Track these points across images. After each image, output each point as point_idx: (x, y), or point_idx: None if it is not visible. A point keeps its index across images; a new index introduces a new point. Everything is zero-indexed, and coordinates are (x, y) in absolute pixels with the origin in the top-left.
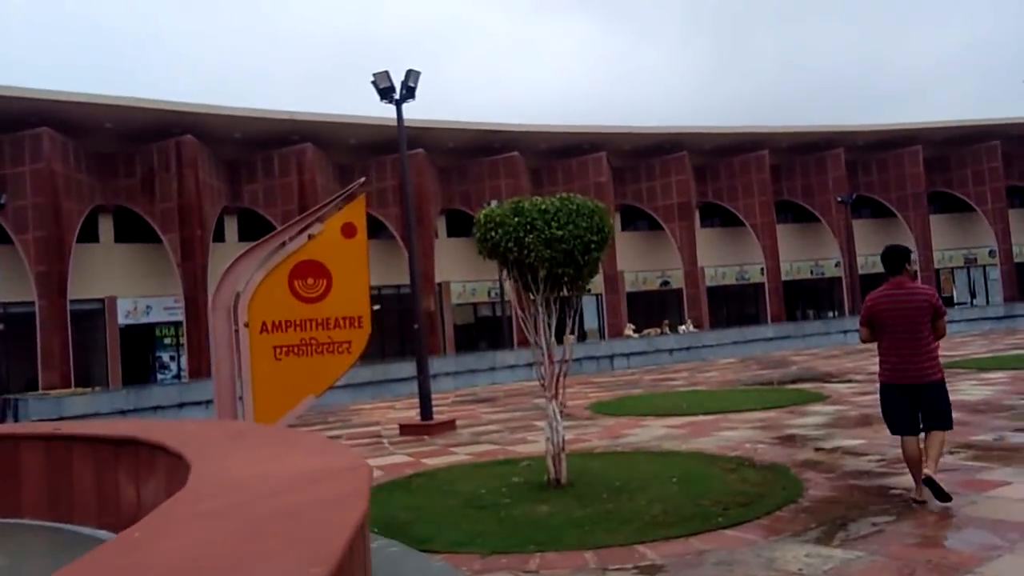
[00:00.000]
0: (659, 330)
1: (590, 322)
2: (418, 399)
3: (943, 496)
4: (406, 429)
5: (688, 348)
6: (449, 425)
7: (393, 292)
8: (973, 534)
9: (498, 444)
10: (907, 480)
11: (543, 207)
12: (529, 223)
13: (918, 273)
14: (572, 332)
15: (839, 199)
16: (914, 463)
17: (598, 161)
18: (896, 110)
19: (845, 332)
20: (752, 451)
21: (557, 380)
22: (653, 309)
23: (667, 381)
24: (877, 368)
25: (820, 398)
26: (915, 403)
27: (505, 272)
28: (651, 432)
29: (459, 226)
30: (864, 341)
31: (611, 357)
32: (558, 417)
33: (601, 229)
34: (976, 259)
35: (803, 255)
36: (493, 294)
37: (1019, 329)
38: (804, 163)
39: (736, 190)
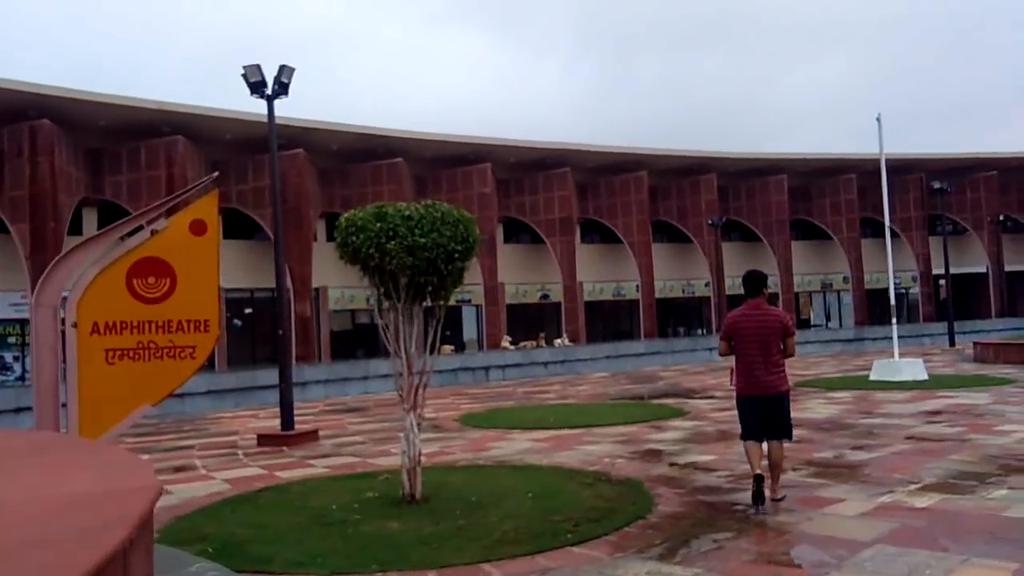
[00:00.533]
0: (535, 342)
1: (469, 333)
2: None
3: (761, 499)
4: (265, 440)
5: (563, 361)
6: (311, 436)
7: (267, 295)
8: (806, 551)
9: (359, 456)
10: (748, 498)
11: (407, 213)
12: (392, 229)
13: (779, 296)
14: (435, 343)
15: (710, 222)
16: (755, 462)
17: (483, 172)
18: (767, 141)
19: (711, 349)
20: (610, 465)
21: (416, 392)
22: (532, 322)
23: (540, 394)
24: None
25: (681, 413)
26: (763, 412)
27: (366, 279)
28: (516, 445)
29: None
30: (722, 354)
31: (487, 369)
32: (415, 430)
33: (466, 239)
34: (832, 284)
35: (676, 274)
36: (372, 301)
37: (867, 351)
38: (679, 185)
39: (616, 208)
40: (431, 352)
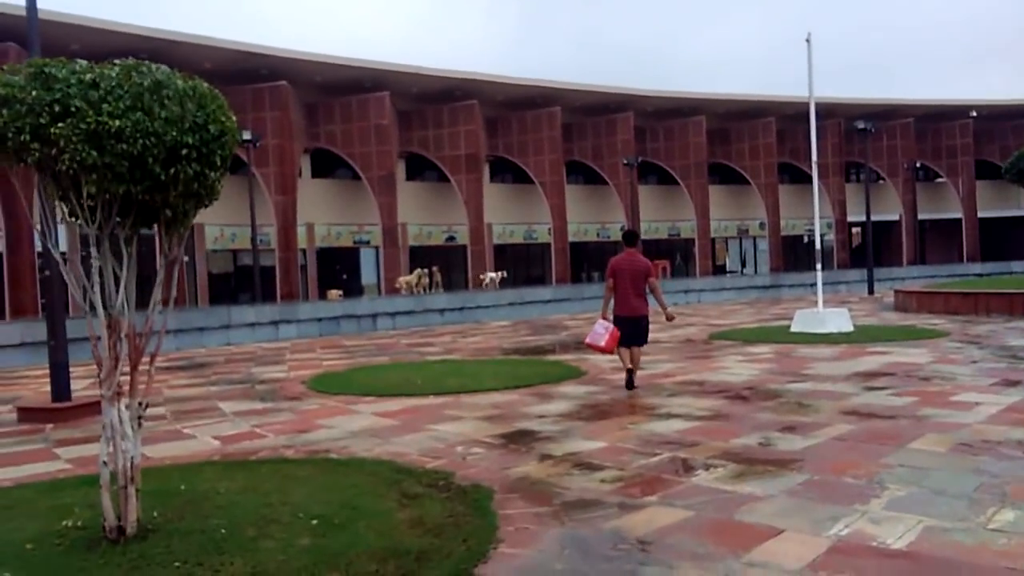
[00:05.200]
0: (419, 277)
1: (368, 277)
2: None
3: (632, 385)
4: (27, 414)
5: (461, 308)
6: (93, 408)
7: None
8: None
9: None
10: (641, 526)
11: (89, 77)
12: (61, 102)
13: (696, 241)
14: (168, 293)
15: (625, 162)
16: (626, 361)
17: (380, 101)
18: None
19: None
20: (461, 458)
21: (131, 368)
22: (436, 265)
23: (424, 346)
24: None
25: (577, 374)
26: (635, 328)
27: (40, 190)
28: (354, 423)
29: None
30: (608, 289)
31: (374, 316)
32: (128, 428)
33: (204, 125)
34: (748, 230)
35: (590, 217)
36: (262, 241)
37: (783, 298)
38: (595, 124)
39: (527, 146)
40: (160, 306)
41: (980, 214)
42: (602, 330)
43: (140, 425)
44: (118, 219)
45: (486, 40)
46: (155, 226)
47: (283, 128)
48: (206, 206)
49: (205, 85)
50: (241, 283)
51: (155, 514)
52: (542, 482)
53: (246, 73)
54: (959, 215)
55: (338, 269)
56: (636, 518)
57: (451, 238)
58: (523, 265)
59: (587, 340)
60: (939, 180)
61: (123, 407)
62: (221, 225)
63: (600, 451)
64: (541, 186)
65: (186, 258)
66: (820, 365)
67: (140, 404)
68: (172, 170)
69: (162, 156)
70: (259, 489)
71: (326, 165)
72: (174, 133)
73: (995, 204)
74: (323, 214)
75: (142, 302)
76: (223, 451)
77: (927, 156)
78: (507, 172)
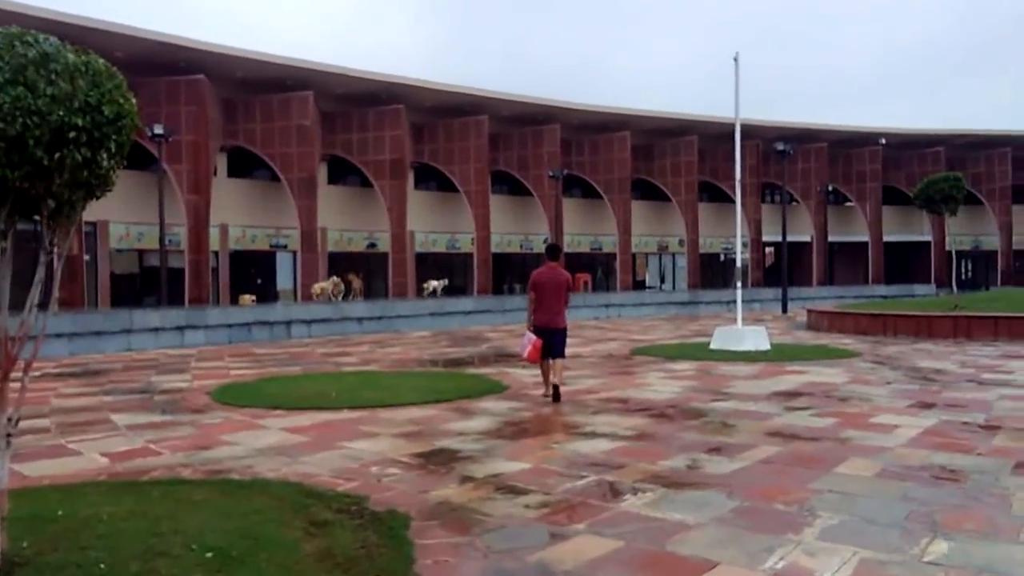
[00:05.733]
0: (335, 284)
1: (284, 282)
2: None
3: (558, 398)
4: None
5: (380, 318)
6: None
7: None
8: None
9: (11, 460)
10: (569, 558)
11: None
12: None
13: (617, 256)
14: (49, 293)
15: (551, 174)
16: (546, 375)
17: (303, 101)
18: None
19: None
20: (376, 480)
21: (3, 374)
22: (359, 272)
23: (340, 356)
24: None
25: (499, 389)
26: (552, 339)
27: None
28: (260, 439)
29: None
30: (531, 301)
31: (288, 323)
32: None
33: (97, 106)
34: (668, 246)
35: (514, 228)
36: (171, 241)
37: (700, 315)
38: (522, 135)
39: (453, 153)
40: (37, 308)
41: (885, 238)
42: (526, 341)
43: (9, 444)
44: None
45: (413, 45)
46: (16, 218)
47: (199, 124)
48: (97, 197)
49: (101, 61)
50: (147, 285)
51: (24, 544)
52: (463, 508)
53: (162, 65)
54: (866, 238)
55: (252, 273)
56: (563, 549)
57: (372, 245)
58: (445, 275)
59: (520, 353)
60: (848, 204)
61: None
62: (127, 223)
63: (524, 473)
64: (466, 195)
65: (87, 257)
66: (741, 383)
67: (10, 420)
68: (57, 155)
69: (45, 138)
70: (149, 515)
71: (243, 165)
72: (60, 113)
73: (900, 229)
74: (238, 215)
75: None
76: (111, 470)
77: (838, 180)
78: (432, 180)
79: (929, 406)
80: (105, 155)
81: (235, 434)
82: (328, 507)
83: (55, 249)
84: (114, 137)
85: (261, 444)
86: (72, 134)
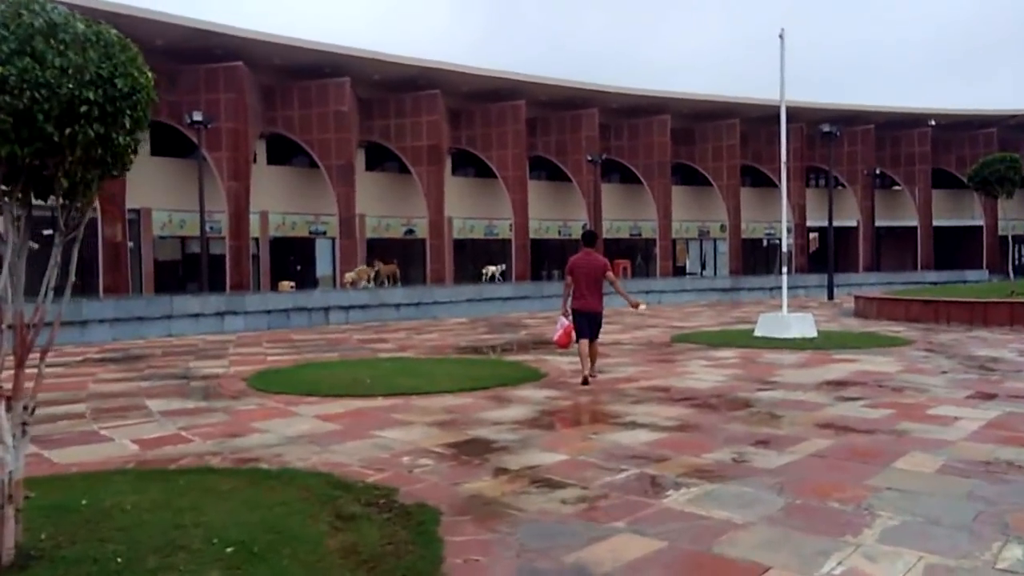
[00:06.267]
0: (361, 274)
1: (323, 269)
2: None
3: (587, 383)
4: None
5: (418, 304)
6: None
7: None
8: None
9: (42, 446)
10: (608, 559)
11: None
12: None
13: (657, 241)
14: (66, 277)
15: (589, 158)
16: (584, 356)
17: (341, 87)
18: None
19: None
20: (407, 471)
21: (18, 361)
22: (394, 258)
23: (377, 343)
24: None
25: (536, 376)
26: (590, 323)
27: None
28: (292, 426)
29: (165, 143)
30: (567, 286)
31: (326, 310)
32: (7, 436)
33: (110, 79)
34: (709, 232)
35: (552, 214)
36: (212, 228)
37: (743, 301)
38: (560, 120)
39: (490, 139)
40: (52, 293)
41: (935, 223)
42: (559, 327)
43: (25, 433)
44: (3, 187)
45: (452, 33)
46: (30, 197)
47: (238, 111)
48: (114, 176)
49: (114, 32)
50: (189, 272)
51: (43, 536)
52: (496, 502)
53: (200, 52)
54: (915, 223)
55: (292, 260)
56: (601, 549)
57: (410, 231)
58: (483, 261)
59: (553, 338)
60: (896, 188)
61: (2, 411)
62: (170, 211)
63: (560, 465)
64: (503, 181)
65: (131, 244)
66: (788, 372)
67: (25, 408)
68: (68, 131)
69: (55, 113)
70: (172, 505)
71: (282, 151)
72: (71, 86)
73: (950, 213)
74: (278, 202)
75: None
76: (140, 457)
77: (886, 164)
78: (469, 165)
79: (990, 397)
80: (120, 131)
81: (267, 421)
82: (356, 499)
83: (70, 229)
84: (129, 112)
85: (292, 432)
86: (84, 108)
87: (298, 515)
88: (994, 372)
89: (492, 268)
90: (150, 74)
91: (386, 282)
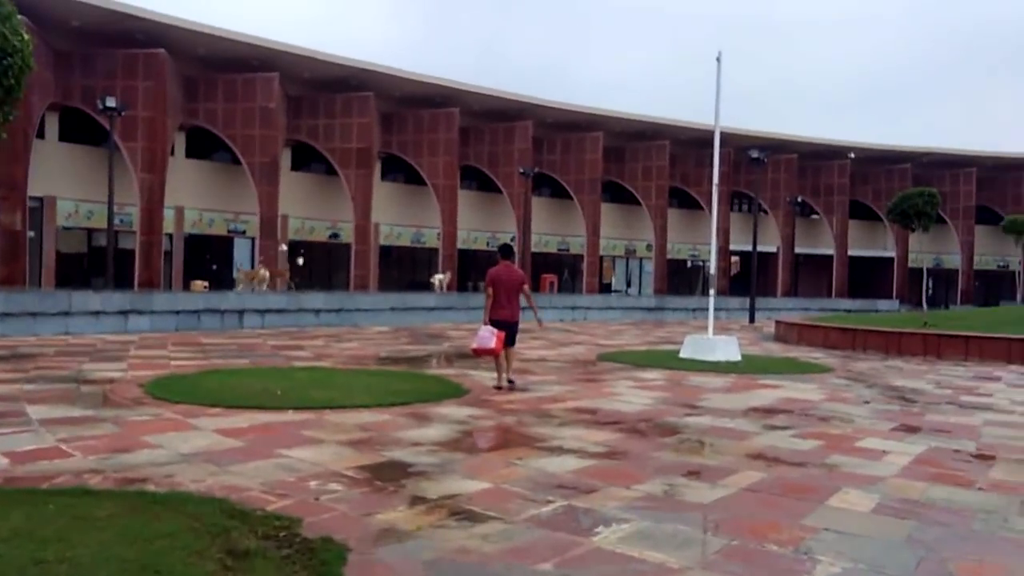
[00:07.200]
0: (260, 273)
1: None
2: None
3: (514, 386)
4: None
5: (339, 310)
6: None
7: None
8: None
9: None
10: None
11: None
12: None
13: (584, 257)
14: None
15: (521, 171)
16: (500, 367)
17: (268, 83)
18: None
19: None
20: (314, 499)
21: None
22: (317, 262)
23: (293, 350)
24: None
25: (458, 392)
26: (508, 332)
27: None
28: (189, 441)
29: (76, 130)
30: (488, 297)
31: (241, 312)
32: None
33: None
34: (635, 251)
35: (482, 225)
36: (123, 221)
37: (667, 321)
38: (493, 130)
39: (422, 146)
40: None
41: (850, 252)
42: (488, 334)
43: None
44: None
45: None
46: None
47: (156, 100)
48: None
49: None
50: (95, 266)
51: None
52: (410, 537)
53: (120, 36)
54: (831, 251)
55: (208, 258)
56: None
57: (335, 235)
58: (408, 269)
59: (475, 346)
60: (815, 216)
61: None
62: (77, 200)
63: (483, 494)
64: (434, 188)
65: (31, 234)
66: (715, 396)
67: None
68: None
69: None
70: (36, 536)
71: (203, 145)
72: None
73: (864, 243)
74: (195, 198)
75: None
76: (8, 474)
77: (807, 192)
78: (399, 171)
79: (914, 430)
80: None
81: (161, 435)
82: (253, 532)
83: None
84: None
85: (188, 448)
86: None
87: (183, 551)
88: (915, 404)
89: (439, 276)
90: (27, 37)
91: (281, 286)
